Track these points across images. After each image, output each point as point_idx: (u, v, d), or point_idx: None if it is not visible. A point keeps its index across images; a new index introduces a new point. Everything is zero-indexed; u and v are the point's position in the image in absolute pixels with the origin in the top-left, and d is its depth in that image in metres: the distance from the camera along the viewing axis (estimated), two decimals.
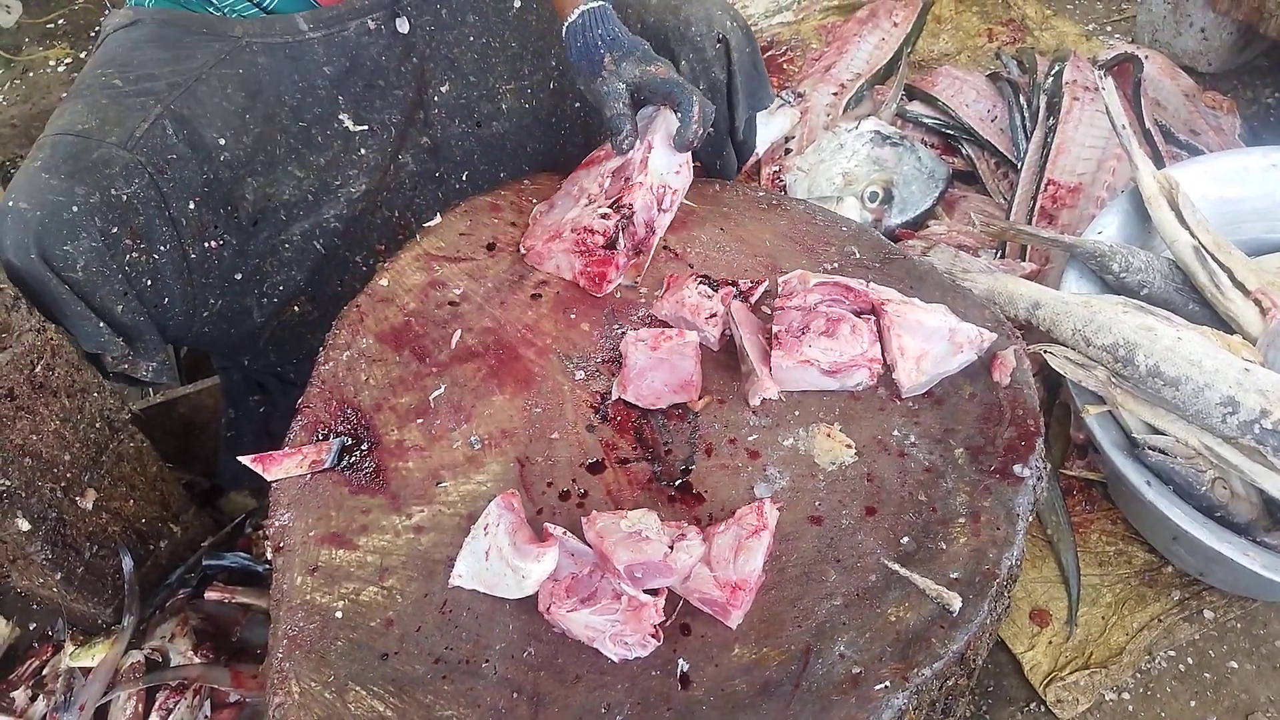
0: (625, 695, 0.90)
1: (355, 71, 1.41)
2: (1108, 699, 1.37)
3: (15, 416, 1.18)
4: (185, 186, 1.28)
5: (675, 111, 1.28)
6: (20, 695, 1.39)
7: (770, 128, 2.21)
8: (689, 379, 1.12)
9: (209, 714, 1.32)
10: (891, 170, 2.02)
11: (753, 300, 1.22)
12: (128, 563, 1.39)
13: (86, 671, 1.36)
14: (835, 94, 2.26)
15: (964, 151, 2.15)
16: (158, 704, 1.30)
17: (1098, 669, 1.38)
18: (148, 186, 1.23)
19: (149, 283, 1.25)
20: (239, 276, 1.39)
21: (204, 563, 1.48)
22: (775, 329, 1.12)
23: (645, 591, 0.94)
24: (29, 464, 1.22)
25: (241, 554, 1.49)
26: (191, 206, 1.29)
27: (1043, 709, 1.36)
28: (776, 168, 2.13)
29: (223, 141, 1.31)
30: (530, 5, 1.51)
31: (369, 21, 1.39)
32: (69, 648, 1.38)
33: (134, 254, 1.22)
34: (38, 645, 1.48)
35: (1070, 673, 1.38)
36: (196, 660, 1.34)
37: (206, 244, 1.32)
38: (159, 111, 1.26)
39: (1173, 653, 1.41)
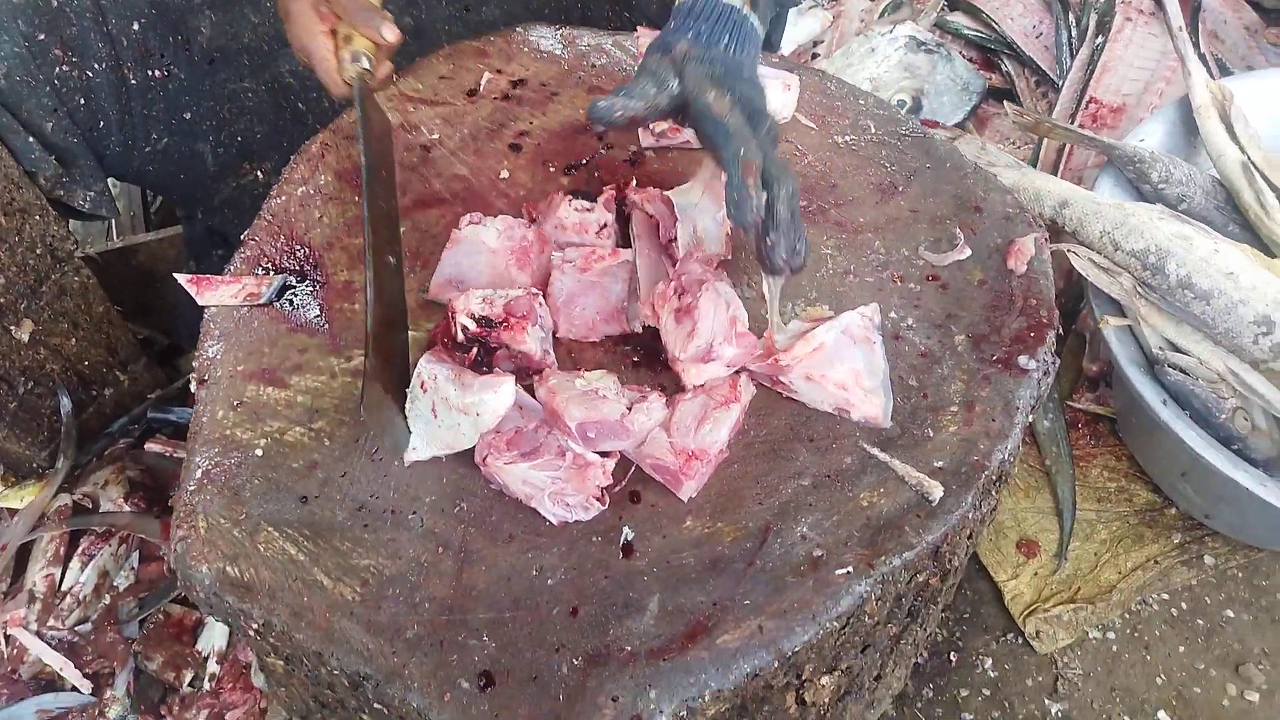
0: (560, 559, 0.81)
1: None
2: (1091, 636, 1.28)
3: None
4: (128, 4, 1.18)
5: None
6: None
7: (799, 29, 2.07)
8: (621, 305, 0.97)
9: (136, 565, 1.25)
10: (923, 79, 1.89)
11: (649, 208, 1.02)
12: (66, 404, 1.31)
13: (14, 513, 1.29)
14: None
15: (1003, 68, 2.00)
16: (80, 549, 1.23)
17: (1084, 605, 1.29)
18: None
19: (81, 101, 1.17)
20: (188, 116, 1.30)
21: (149, 415, 1.41)
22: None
23: (596, 454, 0.85)
24: None
25: (190, 410, 1.41)
26: (136, 28, 1.20)
27: (1020, 641, 1.28)
28: None
29: None
30: None
31: None
32: None
33: (64, 66, 1.14)
34: None
35: (1053, 605, 1.29)
36: (127, 509, 1.26)
37: (150, 72, 1.24)
38: None
39: (1166, 596, 1.32)
